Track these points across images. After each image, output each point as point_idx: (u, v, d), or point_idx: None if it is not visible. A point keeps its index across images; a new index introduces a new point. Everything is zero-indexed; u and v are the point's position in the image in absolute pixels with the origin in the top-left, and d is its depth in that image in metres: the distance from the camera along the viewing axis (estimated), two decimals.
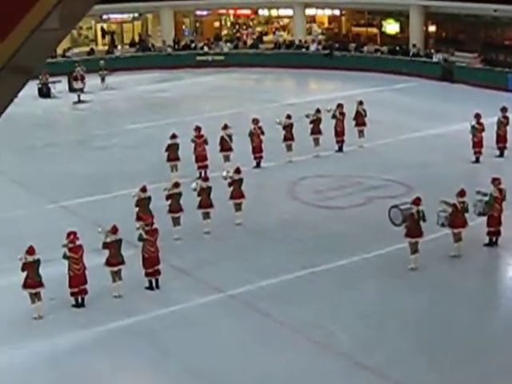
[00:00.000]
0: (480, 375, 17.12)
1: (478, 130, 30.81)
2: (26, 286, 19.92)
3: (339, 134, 32.68)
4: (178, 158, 29.61)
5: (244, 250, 23.81)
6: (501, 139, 31.43)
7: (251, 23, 55.97)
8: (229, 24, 56.21)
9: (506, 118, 31.41)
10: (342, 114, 32.80)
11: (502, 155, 31.41)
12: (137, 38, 54.73)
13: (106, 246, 20.86)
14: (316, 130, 32.34)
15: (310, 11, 53.44)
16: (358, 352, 18.07)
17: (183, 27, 55.51)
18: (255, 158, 30.71)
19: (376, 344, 18.48)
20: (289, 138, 31.62)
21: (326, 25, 54.80)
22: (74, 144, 35.46)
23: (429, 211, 22.44)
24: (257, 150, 30.70)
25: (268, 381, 17.08)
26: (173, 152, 29.68)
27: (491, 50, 45.90)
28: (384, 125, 35.01)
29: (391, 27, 51.33)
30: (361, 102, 33.79)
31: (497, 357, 17.85)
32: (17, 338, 18.98)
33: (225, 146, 30.20)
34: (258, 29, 55.60)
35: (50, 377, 17.52)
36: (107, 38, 54.93)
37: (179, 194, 24.52)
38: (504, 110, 31.60)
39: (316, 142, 32.33)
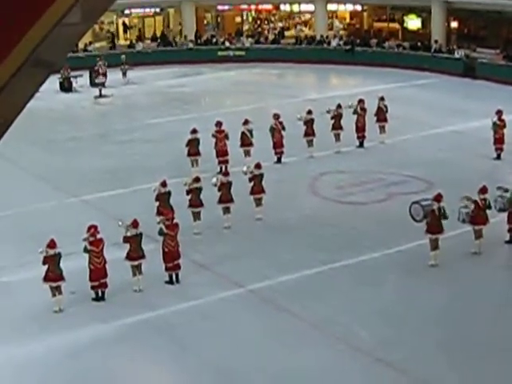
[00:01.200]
0: (499, 374, 17.07)
1: (499, 126, 30.77)
2: (46, 279, 20.00)
3: (360, 129, 32.67)
4: (198, 153, 29.65)
5: (264, 245, 23.80)
6: None
7: (273, 18, 55.97)
8: (250, 19, 56.23)
9: None
10: (363, 109, 32.79)
11: None
12: (158, 33, 54.75)
13: (126, 240, 20.93)
14: (337, 126, 32.32)
15: (331, 6, 53.39)
16: (378, 349, 18.05)
17: (205, 22, 55.55)
18: (276, 154, 30.70)
19: (396, 341, 18.45)
20: (310, 133, 31.62)
21: (348, 20, 54.75)
22: (95, 138, 35.57)
23: (450, 208, 22.41)
24: (278, 146, 30.69)
25: (286, 377, 17.06)
26: (193, 147, 29.71)
27: None
28: (405, 121, 34.97)
29: (413, 23, 51.22)
30: (382, 98, 33.76)
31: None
32: (37, 330, 19.10)
33: (245, 141, 30.21)
34: (280, 24, 55.59)
35: (70, 370, 17.56)
36: (128, 32, 55.01)
37: (199, 189, 24.54)
38: None
39: (337, 137, 32.29)
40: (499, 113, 30.88)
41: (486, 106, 33.66)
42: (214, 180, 25.18)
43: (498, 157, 30.78)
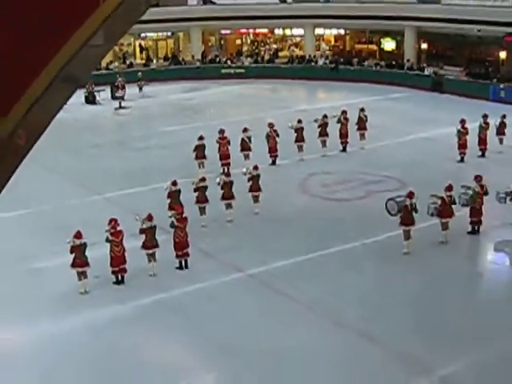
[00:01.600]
0: (463, 342, 17.14)
1: (462, 133, 30.88)
2: (74, 265, 20.02)
3: (343, 136, 32.67)
4: (204, 157, 29.62)
5: (261, 235, 23.80)
6: (482, 142, 31.41)
7: (268, 41, 55.97)
8: (249, 41, 56.21)
9: (487, 123, 31.44)
10: (346, 119, 32.80)
11: (483, 155, 31.36)
12: (170, 53, 54.75)
13: (142, 231, 20.90)
14: (323, 133, 32.33)
15: (318, 30, 53.43)
16: (361, 325, 18.05)
17: (210, 44, 55.55)
18: (271, 157, 30.70)
19: (376, 318, 18.43)
20: (300, 139, 31.60)
21: (333, 42, 54.75)
22: (115, 144, 35.57)
23: (420, 203, 22.45)
24: (272, 150, 30.69)
25: (281, 350, 16.99)
26: (200, 151, 29.69)
27: (475, 64, 45.78)
28: (382, 129, 34.96)
29: (389, 44, 51.27)
30: (362, 109, 33.75)
31: (478, 327, 17.84)
32: (65, 309, 19.08)
33: (245, 146, 30.19)
34: (274, 46, 55.60)
35: (93, 344, 17.55)
36: (144, 52, 55.04)
37: (205, 187, 24.53)
38: (485, 116, 31.64)
39: (323, 143, 32.29)
40: (463, 122, 30.96)
41: (452, 116, 33.70)
42: (218, 180, 25.16)
43: (462, 160, 30.82)
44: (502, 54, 44.71)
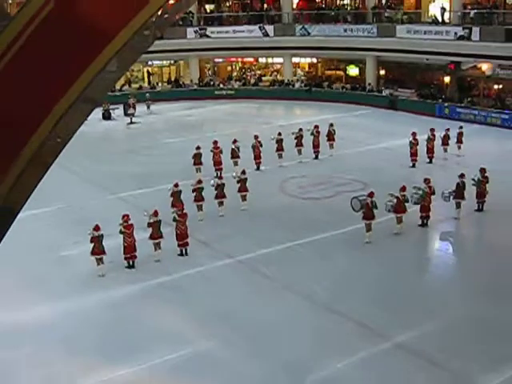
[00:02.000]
0: (414, 314, 17.24)
1: (414, 144, 30.94)
2: (93, 253, 20.06)
3: (316, 146, 32.63)
4: (201, 163, 29.60)
5: (248, 228, 23.83)
6: (430, 151, 31.42)
7: (253, 67, 55.81)
8: (238, 68, 56.04)
9: (434, 135, 31.48)
10: (318, 132, 32.75)
11: (430, 162, 31.36)
12: (172, 78, 54.60)
13: (149, 225, 20.92)
14: (299, 144, 32.30)
15: (295, 59, 53.32)
16: (331, 302, 18.15)
17: (205, 70, 55.41)
18: (256, 164, 30.62)
19: (344, 296, 18.54)
20: (280, 149, 31.55)
21: (307, 69, 54.58)
22: (127, 153, 35.47)
23: (379, 201, 22.54)
24: (257, 158, 30.64)
25: (264, 323, 17.11)
26: (197, 158, 29.69)
27: (424, 87, 45.82)
28: (348, 140, 34.98)
29: (353, 71, 51.23)
30: (331, 124, 33.73)
31: (426, 302, 18.00)
32: (86, 289, 19.10)
33: (234, 154, 30.17)
34: (259, 72, 55.42)
35: (109, 317, 17.64)
36: (151, 77, 54.88)
37: (202, 188, 24.55)
38: (432, 130, 31.66)
39: (299, 152, 32.25)
40: (414, 134, 31.02)
41: (405, 129, 33.74)
42: (212, 182, 25.20)
43: (413, 165, 30.84)
44: (446, 79, 44.84)
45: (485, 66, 42.36)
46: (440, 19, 44.80)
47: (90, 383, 14.58)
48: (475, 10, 42.89)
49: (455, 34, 42.27)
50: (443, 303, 18.02)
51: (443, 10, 44.81)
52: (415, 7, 48.28)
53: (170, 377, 14.91)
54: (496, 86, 42.75)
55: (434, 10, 46.26)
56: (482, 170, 24.83)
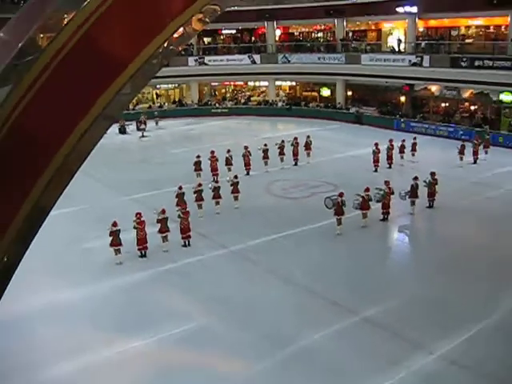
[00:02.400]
0: (378, 292, 17.27)
1: (376, 152, 30.99)
2: (111, 245, 19.95)
3: (295, 155, 32.64)
4: (201, 169, 29.53)
5: (240, 223, 23.76)
6: (389, 158, 31.50)
7: (244, 90, 55.77)
8: (231, 90, 55.99)
9: (392, 145, 31.58)
10: (297, 143, 32.81)
11: (390, 167, 31.43)
12: (177, 99, 54.47)
13: (158, 221, 20.82)
14: (282, 153, 32.30)
15: (278, 83, 53.34)
16: (309, 283, 18.13)
17: (204, 92, 55.30)
18: (246, 170, 30.56)
19: (319, 279, 18.52)
20: (266, 157, 31.52)
21: (288, 90, 54.62)
22: (139, 162, 35.38)
23: (348, 200, 22.57)
24: (247, 165, 30.58)
25: (252, 301, 17.10)
26: (198, 165, 29.64)
27: (384, 105, 45.93)
28: (322, 150, 35.00)
29: (326, 92, 51.25)
30: (308, 136, 33.77)
31: (388, 282, 18.02)
32: (106, 275, 19.01)
33: (228, 162, 30.11)
34: (248, 93, 55.37)
35: (125, 298, 17.56)
36: (159, 98, 54.70)
37: (201, 190, 24.47)
38: (391, 140, 31.76)
39: (282, 160, 32.25)
40: (376, 144, 31.10)
41: (369, 140, 33.84)
42: (210, 185, 25.12)
43: (376, 170, 30.84)
44: (402, 98, 44.95)
45: (434, 88, 42.52)
46: (397, 49, 45.00)
47: (109, 353, 14.51)
48: (426, 41, 43.09)
49: (409, 61, 42.45)
50: (402, 284, 18.05)
51: (399, 41, 45.03)
52: (376, 39, 48.40)
53: (176, 347, 14.86)
54: (443, 104, 42.94)
55: (391, 42, 46.50)
56: (432, 174, 24.95)
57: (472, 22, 42.01)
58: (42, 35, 5.80)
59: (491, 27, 41.28)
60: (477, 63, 38.23)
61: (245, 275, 19.00)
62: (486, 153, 33.59)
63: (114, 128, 42.57)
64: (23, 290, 16.66)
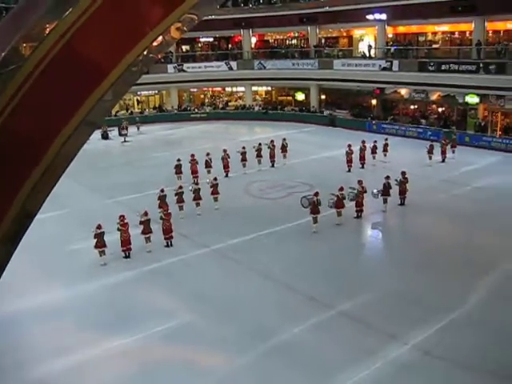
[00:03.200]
0: (353, 286, 17.37)
1: (349, 153, 31.15)
2: (96, 246, 19.81)
3: (272, 157, 32.68)
4: (181, 172, 29.44)
5: (220, 223, 23.72)
6: (362, 158, 31.69)
7: (221, 95, 55.73)
8: (209, 96, 55.92)
9: (365, 146, 31.78)
10: (274, 145, 32.87)
11: (362, 167, 31.64)
12: (157, 104, 54.26)
13: (141, 222, 20.74)
14: (259, 155, 32.33)
15: (254, 88, 53.38)
16: (288, 280, 18.18)
17: (183, 98, 55.16)
18: (225, 172, 30.52)
19: (297, 275, 18.58)
20: (244, 159, 31.59)
21: (264, 95, 54.70)
22: (122, 165, 35.17)
23: (323, 199, 22.67)
24: (226, 167, 30.55)
25: (234, 298, 17.10)
26: (178, 168, 29.55)
27: (356, 108, 46.22)
28: (297, 152, 35.09)
29: (300, 96, 51.41)
30: (284, 139, 33.86)
31: (363, 276, 18.14)
32: (91, 276, 18.89)
33: (208, 165, 30.07)
34: (226, 98, 55.34)
35: (110, 297, 17.48)
36: (140, 104, 54.41)
37: (182, 193, 24.46)
38: (363, 142, 31.97)
39: (259, 162, 32.29)
40: (349, 145, 31.29)
41: (342, 142, 34.01)
42: (190, 187, 25.09)
43: (349, 170, 30.99)
44: (374, 101, 45.28)
45: (403, 91, 42.87)
46: (368, 54, 45.32)
47: (95, 352, 14.42)
48: (395, 47, 43.45)
49: (380, 66, 42.79)
50: (375, 279, 18.18)
51: (370, 47, 45.35)
52: (348, 45, 48.67)
53: (160, 344, 14.81)
54: (412, 107, 43.34)
55: (362, 47, 46.81)
56: (403, 173, 25.18)
57: (438, 29, 42.48)
58: (24, 44, 5.77)
59: (456, 33, 41.80)
60: (443, 67, 38.72)
61: (226, 273, 18.99)
62: (454, 152, 33.98)
63: (97, 134, 42.30)
64: (10, 292, 16.52)
